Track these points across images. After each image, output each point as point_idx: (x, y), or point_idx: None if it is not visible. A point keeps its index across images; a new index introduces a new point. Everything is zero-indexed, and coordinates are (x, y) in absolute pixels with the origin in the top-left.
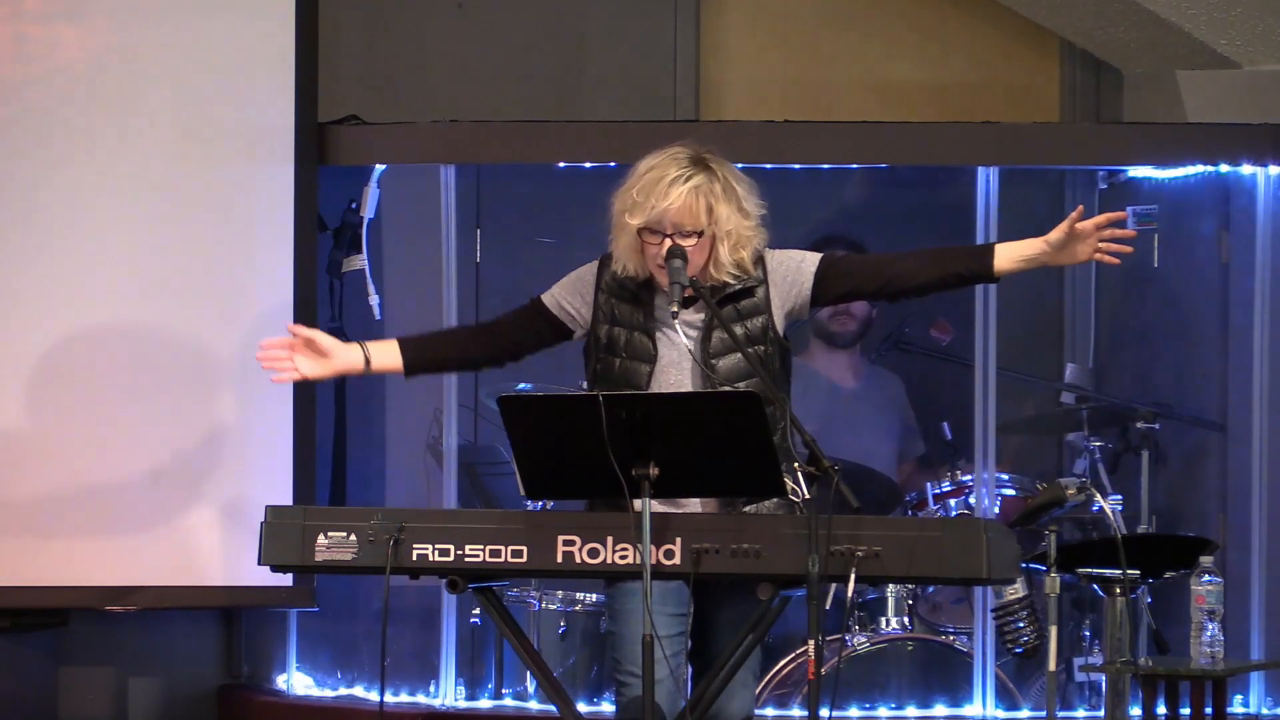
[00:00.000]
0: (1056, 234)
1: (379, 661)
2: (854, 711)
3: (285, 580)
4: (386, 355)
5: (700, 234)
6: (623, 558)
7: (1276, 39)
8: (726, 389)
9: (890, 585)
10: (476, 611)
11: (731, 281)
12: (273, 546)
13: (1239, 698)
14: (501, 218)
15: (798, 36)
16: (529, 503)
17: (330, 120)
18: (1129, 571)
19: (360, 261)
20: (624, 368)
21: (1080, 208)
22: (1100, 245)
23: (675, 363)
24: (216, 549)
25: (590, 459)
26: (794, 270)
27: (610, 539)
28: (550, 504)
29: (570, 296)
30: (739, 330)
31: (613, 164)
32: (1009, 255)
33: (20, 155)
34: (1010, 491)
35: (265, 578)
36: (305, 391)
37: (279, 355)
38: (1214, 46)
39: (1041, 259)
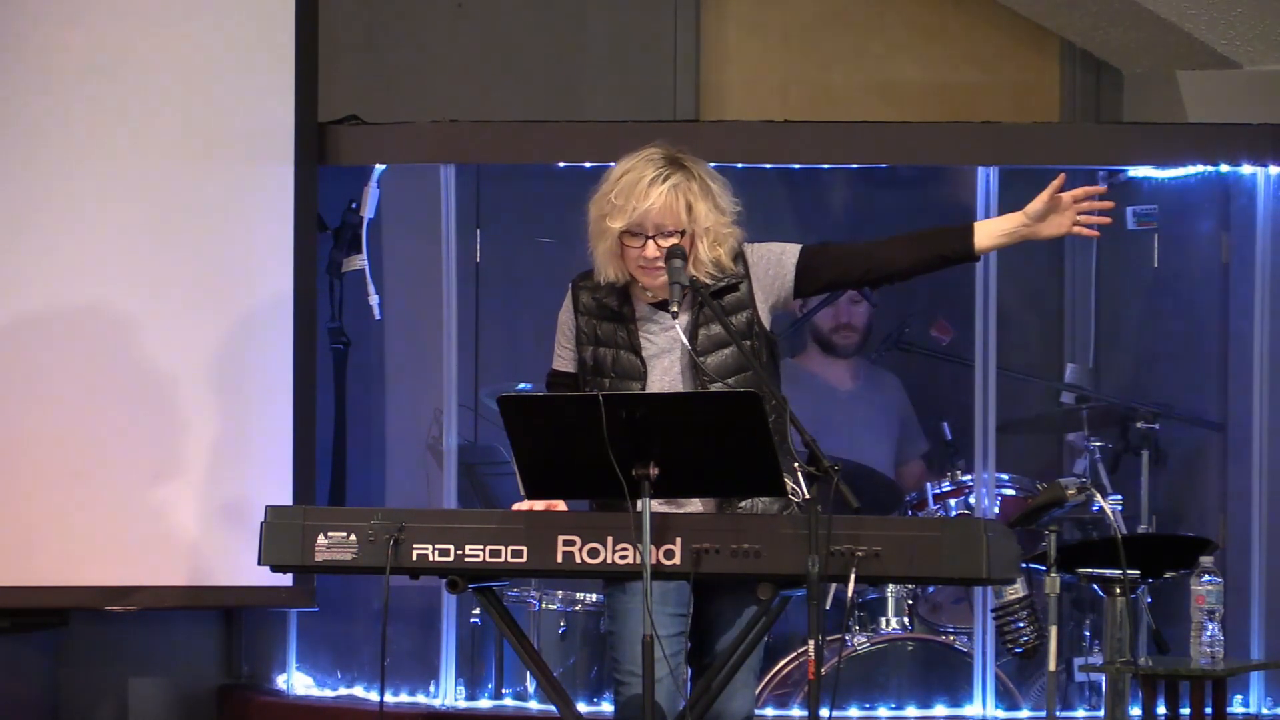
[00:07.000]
0: (1036, 204)
1: (379, 661)
2: (854, 711)
3: (285, 580)
4: None
5: (682, 233)
6: (623, 558)
7: (1276, 39)
8: (725, 389)
9: (890, 585)
10: (476, 611)
11: (710, 281)
12: (273, 546)
13: (1239, 698)
14: (501, 218)
15: (798, 36)
16: None
17: (330, 120)
18: (1129, 571)
19: (360, 261)
20: (614, 388)
21: (1062, 176)
22: (1079, 218)
23: (665, 368)
24: (216, 549)
25: (590, 459)
26: (775, 263)
27: (610, 539)
28: None
29: (569, 344)
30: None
31: (613, 164)
32: (989, 232)
33: (20, 155)
34: (1010, 491)
35: (265, 578)
36: (305, 391)
37: None
38: (1214, 46)
39: (1022, 232)
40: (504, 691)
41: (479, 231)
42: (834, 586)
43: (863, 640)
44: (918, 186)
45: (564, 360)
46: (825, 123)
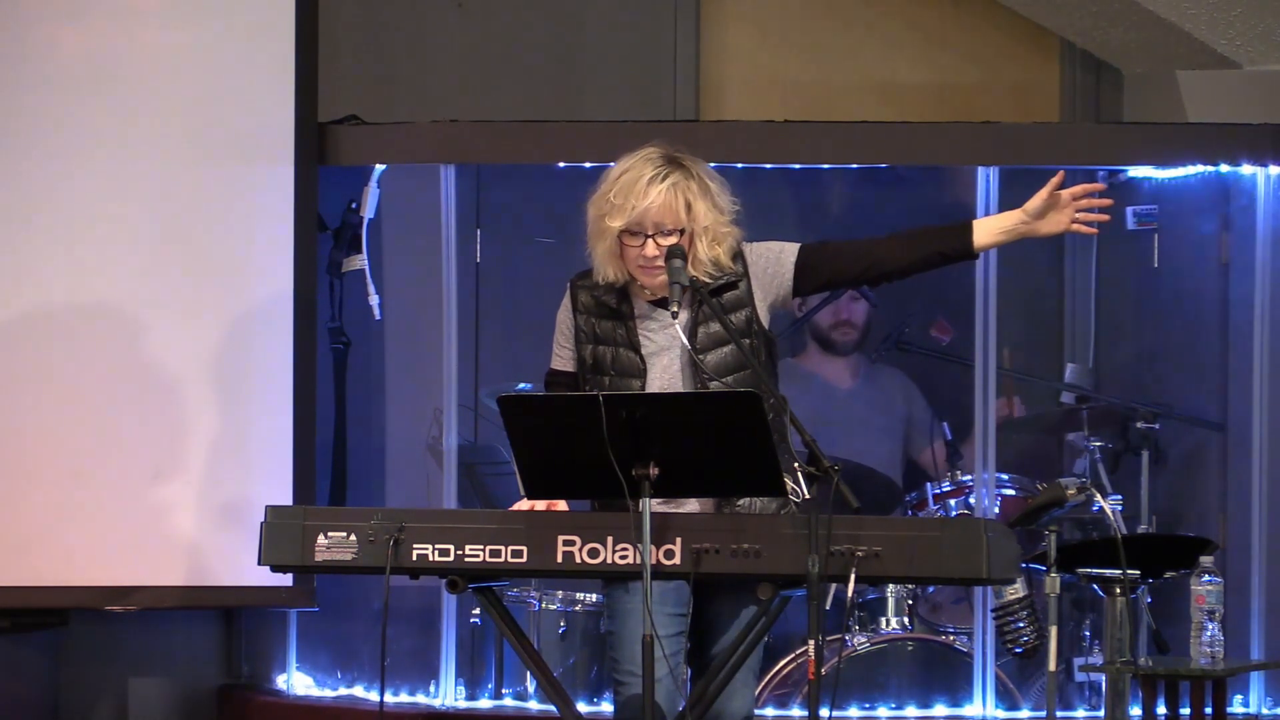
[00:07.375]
0: (1035, 202)
1: (379, 661)
2: (854, 711)
3: (285, 580)
4: None
5: (681, 232)
6: (623, 558)
7: (1276, 39)
8: (724, 387)
9: (890, 585)
10: (476, 611)
11: (708, 280)
12: (273, 546)
13: (1239, 698)
14: (501, 218)
15: (798, 36)
16: None
17: (330, 120)
18: (1129, 571)
19: (360, 261)
20: (614, 385)
21: (1061, 173)
22: (1078, 215)
23: (664, 365)
24: (216, 549)
25: (590, 459)
26: (774, 262)
27: (610, 539)
28: None
29: (568, 343)
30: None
31: (612, 164)
32: (988, 229)
33: (20, 156)
34: (1010, 491)
35: (265, 578)
36: (305, 391)
37: None
38: (1214, 46)
39: (1021, 230)
40: (504, 691)
41: (479, 231)
42: (834, 586)
43: (863, 640)
44: (918, 186)
45: (563, 360)
46: (825, 123)
